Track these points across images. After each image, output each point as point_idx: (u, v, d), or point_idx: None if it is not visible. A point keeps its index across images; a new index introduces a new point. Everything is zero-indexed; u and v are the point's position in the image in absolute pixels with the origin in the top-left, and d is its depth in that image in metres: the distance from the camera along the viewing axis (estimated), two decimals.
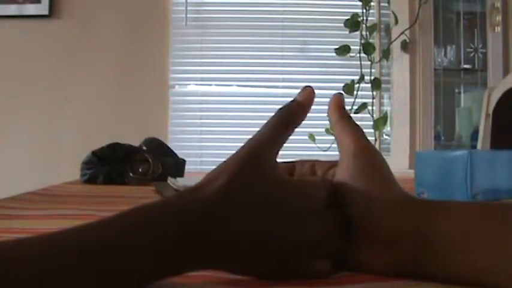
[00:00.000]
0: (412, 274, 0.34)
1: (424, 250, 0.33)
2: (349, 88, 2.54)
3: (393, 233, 0.34)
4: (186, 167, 1.32)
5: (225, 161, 0.35)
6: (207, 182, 0.33)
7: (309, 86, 0.39)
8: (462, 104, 2.67)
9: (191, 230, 0.31)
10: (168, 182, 1.01)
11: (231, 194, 0.33)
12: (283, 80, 2.81)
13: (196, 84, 2.82)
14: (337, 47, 2.59)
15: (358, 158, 0.37)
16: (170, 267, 0.30)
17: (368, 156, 0.38)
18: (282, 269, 0.34)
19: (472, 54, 2.59)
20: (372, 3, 2.60)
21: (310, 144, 2.51)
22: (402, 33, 2.44)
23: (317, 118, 3.00)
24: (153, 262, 0.29)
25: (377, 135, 2.61)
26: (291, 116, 0.38)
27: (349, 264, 0.36)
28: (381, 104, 2.76)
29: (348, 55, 2.59)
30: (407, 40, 2.45)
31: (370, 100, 2.57)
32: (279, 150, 0.37)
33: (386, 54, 2.59)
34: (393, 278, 0.34)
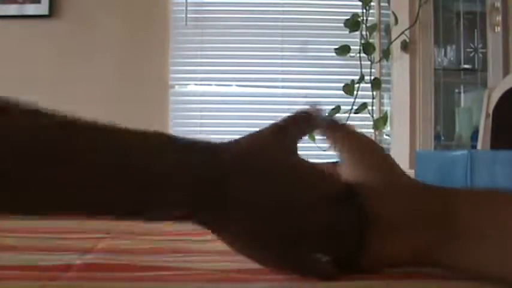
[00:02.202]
0: (428, 261, 0.34)
1: (446, 236, 0.33)
2: (349, 88, 2.54)
3: (414, 217, 0.34)
4: None
5: (253, 132, 0.36)
6: (229, 145, 0.35)
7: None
8: (462, 104, 2.67)
9: (206, 191, 0.32)
10: None
11: (249, 159, 0.33)
12: (283, 80, 2.81)
13: (196, 84, 2.82)
14: (337, 47, 2.59)
15: (367, 152, 0.37)
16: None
17: (374, 150, 0.38)
18: (287, 257, 0.33)
19: (472, 54, 2.59)
20: (372, 3, 2.60)
21: (310, 144, 2.51)
22: (402, 33, 2.43)
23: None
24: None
25: (377, 135, 2.61)
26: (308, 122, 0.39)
27: (364, 257, 0.35)
28: (381, 104, 2.76)
29: (348, 55, 2.59)
30: (407, 40, 2.45)
31: (370, 100, 2.57)
32: (302, 137, 0.38)
33: (386, 54, 2.59)
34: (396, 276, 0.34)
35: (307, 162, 0.36)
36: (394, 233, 0.34)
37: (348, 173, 0.37)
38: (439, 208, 0.34)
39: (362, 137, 0.38)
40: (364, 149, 0.37)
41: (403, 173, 0.37)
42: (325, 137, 0.40)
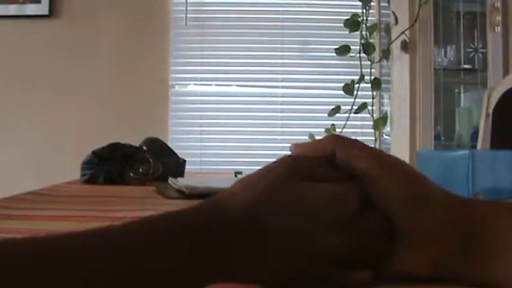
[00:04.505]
0: (450, 275, 0.33)
1: (468, 247, 0.32)
2: (349, 88, 2.54)
3: (439, 230, 0.33)
4: (186, 167, 1.32)
5: (251, 174, 0.34)
6: (231, 197, 0.32)
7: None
8: (462, 104, 2.67)
9: (211, 248, 0.29)
10: (169, 182, 1.01)
11: (257, 212, 0.31)
12: (283, 80, 2.81)
13: (196, 84, 2.82)
14: (337, 47, 2.59)
15: (388, 163, 0.36)
16: (186, 282, 0.29)
17: (394, 160, 0.36)
18: (315, 283, 0.32)
19: (472, 54, 2.59)
20: (372, 3, 2.60)
21: None
22: (402, 33, 2.43)
23: (317, 118, 2.99)
24: (168, 274, 0.28)
25: (377, 135, 2.61)
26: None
27: (388, 268, 0.34)
28: (381, 104, 2.76)
29: (348, 55, 2.59)
30: (407, 40, 2.45)
31: (370, 100, 2.57)
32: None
33: (386, 54, 2.59)
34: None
35: (312, 189, 0.33)
36: (416, 243, 0.33)
37: (370, 184, 0.35)
38: (463, 219, 0.33)
39: (377, 150, 0.37)
40: (384, 161, 0.36)
41: (424, 180, 0.36)
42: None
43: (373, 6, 2.63)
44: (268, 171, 0.34)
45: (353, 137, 0.38)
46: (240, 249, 0.30)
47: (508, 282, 0.31)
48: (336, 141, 0.37)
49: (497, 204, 0.36)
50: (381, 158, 0.36)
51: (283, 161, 0.35)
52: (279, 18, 2.83)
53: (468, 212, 0.34)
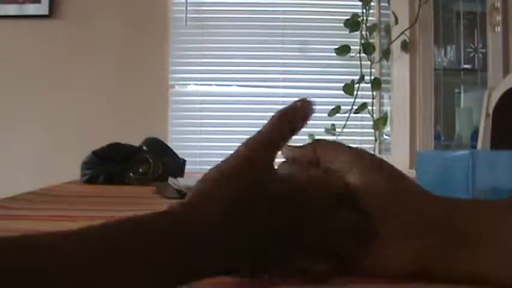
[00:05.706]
0: (435, 270, 0.33)
1: (450, 243, 0.32)
2: (349, 88, 2.54)
3: (421, 226, 0.33)
4: (186, 167, 1.32)
5: (218, 170, 0.33)
6: (200, 203, 0.32)
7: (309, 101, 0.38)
8: (462, 104, 2.67)
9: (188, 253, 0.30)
10: (169, 182, 1.01)
11: (229, 218, 0.32)
12: (283, 80, 2.81)
13: (196, 84, 2.82)
14: (337, 47, 2.59)
15: (363, 159, 0.37)
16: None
17: (369, 156, 0.37)
18: (275, 268, 0.33)
19: (472, 54, 2.59)
20: (372, 3, 2.60)
21: None
22: (402, 33, 2.43)
23: (317, 118, 2.98)
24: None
25: (377, 135, 2.61)
26: (289, 119, 0.36)
27: (363, 264, 0.34)
28: (381, 104, 2.76)
29: (348, 55, 2.59)
30: (407, 40, 2.45)
31: (370, 100, 2.57)
32: (275, 154, 0.36)
33: (386, 54, 2.59)
34: (397, 281, 0.33)
35: (288, 181, 0.35)
36: (399, 239, 0.34)
37: (346, 180, 0.36)
38: (444, 214, 0.34)
39: (356, 149, 0.38)
40: (364, 160, 0.37)
41: (404, 177, 0.36)
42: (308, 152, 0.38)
43: (373, 6, 2.63)
44: (234, 168, 0.33)
45: (353, 137, 0.38)
46: (211, 253, 0.30)
47: (494, 275, 0.31)
48: (318, 145, 0.38)
49: (477, 202, 0.36)
50: (360, 157, 0.37)
51: (238, 157, 0.34)
52: (279, 18, 2.83)
53: (449, 207, 0.34)
